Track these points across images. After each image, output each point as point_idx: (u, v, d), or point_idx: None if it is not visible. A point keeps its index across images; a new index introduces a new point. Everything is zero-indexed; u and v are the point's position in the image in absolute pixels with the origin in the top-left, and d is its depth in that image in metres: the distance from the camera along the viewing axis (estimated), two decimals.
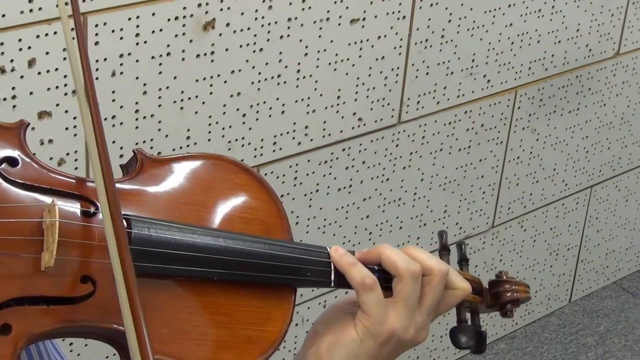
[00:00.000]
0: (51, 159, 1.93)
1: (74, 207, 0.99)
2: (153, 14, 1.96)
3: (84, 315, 0.97)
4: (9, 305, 0.95)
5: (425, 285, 1.11)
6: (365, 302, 1.08)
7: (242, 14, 2.08)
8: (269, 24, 2.13)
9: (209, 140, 2.15)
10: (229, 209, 1.09)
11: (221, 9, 2.05)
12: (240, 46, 2.11)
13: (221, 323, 1.04)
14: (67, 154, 1.96)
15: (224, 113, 2.15)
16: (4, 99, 1.84)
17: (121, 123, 2.01)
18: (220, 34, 2.07)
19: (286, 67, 2.21)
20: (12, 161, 1.01)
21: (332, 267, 1.10)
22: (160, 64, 2.01)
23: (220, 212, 1.09)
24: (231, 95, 2.15)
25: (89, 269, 0.98)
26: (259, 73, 2.17)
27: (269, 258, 1.07)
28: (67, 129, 1.94)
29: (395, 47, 2.38)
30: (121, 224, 0.93)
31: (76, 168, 1.98)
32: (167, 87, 2.04)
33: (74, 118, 1.94)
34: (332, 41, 2.26)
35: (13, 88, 1.84)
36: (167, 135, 2.08)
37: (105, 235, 0.94)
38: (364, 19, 2.29)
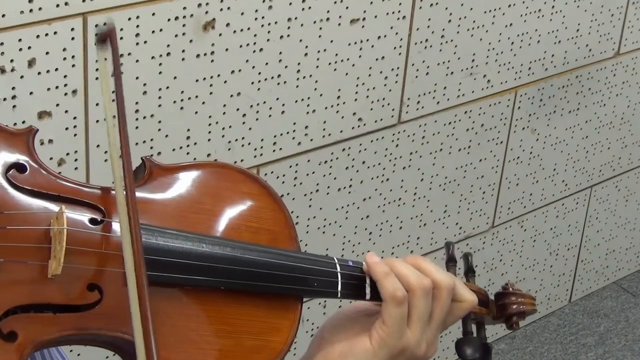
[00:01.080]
0: (51, 159, 1.93)
1: (82, 215, 0.99)
2: (153, 14, 1.96)
3: (91, 324, 0.97)
4: (15, 313, 0.95)
5: (434, 299, 1.11)
6: (389, 314, 1.08)
7: (242, 14, 2.08)
8: (269, 24, 2.13)
9: (209, 140, 2.15)
10: (237, 217, 1.09)
11: (221, 9, 2.04)
12: (240, 46, 2.11)
13: (227, 332, 1.04)
14: (67, 154, 1.96)
15: (224, 113, 2.15)
16: (4, 99, 1.84)
17: None
18: (220, 34, 2.07)
19: (286, 67, 2.20)
20: (20, 167, 1.00)
21: (339, 278, 1.10)
22: (160, 64, 2.01)
23: (228, 220, 1.09)
24: (231, 95, 2.15)
25: (96, 277, 0.98)
26: (259, 73, 2.17)
27: (275, 268, 1.06)
28: (67, 129, 1.94)
29: (395, 47, 2.38)
30: (140, 240, 0.92)
31: (76, 168, 1.98)
32: (167, 87, 2.04)
33: (74, 118, 1.94)
34: (332, 41, 2.26)
35: (13, 88, 1.84)
36: (167, 135, 2.08)
37: (113, 243, 0.94)
38: (364, 19, 2.29)
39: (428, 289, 1.09)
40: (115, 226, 0.99)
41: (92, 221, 0.99)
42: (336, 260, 1.10)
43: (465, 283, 1.18)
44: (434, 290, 1.10)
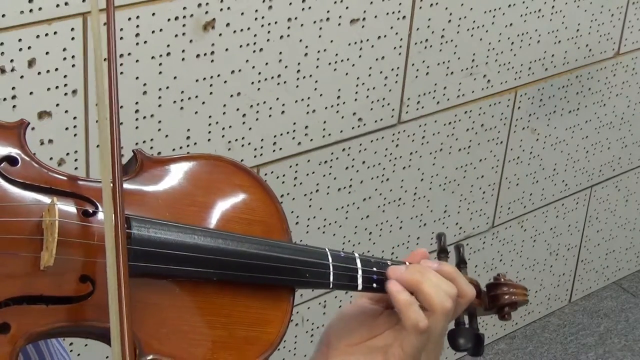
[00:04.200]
0: (51, 159, 1.93)
1: (74, 207, 0.99)
2: (153, 14, 1.96)
3: (83, 315, 0.97)
4: (7, 305, 0.95)
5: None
6: (410, 344, 1.08)
7: (242, 14, 2.08)
8: (269, 24, 2.13)
9: (209, 140, 2.15)
10: (228, 209, 1.09)
11: (221, 9, 2.05)
12: (240, 46, 2.11)
13: (220, 324, 1.04)
14: (67, 154, 1.96)
15: (224, 113, 2.16)
16: (4, 99, 1.84)
17: (121, 123, 2.01)
18: (220, 34, 2.07)
19: (286, 67, 2.21)
20: (12, 160, 1.01)
21: (331, 269, 1.10)
22: (160, 64, 2.01)
23: (220, 212, 1.09)
24: (231, 95, 2.15)
25: (88, 269, 0.98)
26: (259, 73, 2.17)
27: (267, 259, 1.06)
28: (67, 129, 1.94)
29: (395, 47, 2.38)
30: (123, 225, 0.92)
31: (76, 168, 1.98)
32: (167, 87, 2.04)
33: (74, 118, 1.94)
34: (332, 41, 2.26)
35: (13, 88, 1.85)
36: (167, 135, 2.08)
37: (104, 235, 0.94)
38: (364, 19, 2.29)
39: (448, 312, 1.09)
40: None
41: (84, 213, 0.99)
42: (328, 251, 1.11)
43: None
44: (457, 298, 1.11)
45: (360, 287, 1.12)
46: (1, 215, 0.96)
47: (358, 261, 1.12)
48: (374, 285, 1.11)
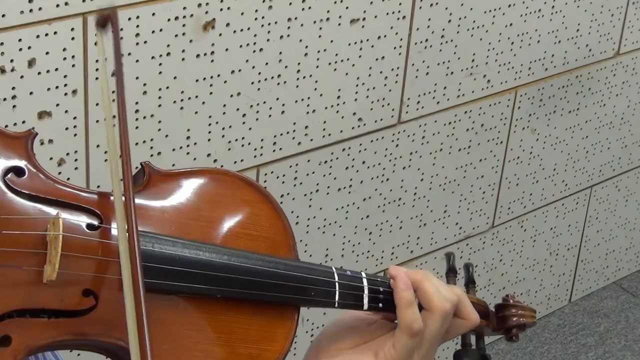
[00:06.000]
0: (51, 159, 1.93)
1: (79, 220, 0.98)
2: (153, 14, 1.96)
3: (85, 329, 0.97)
4: (10, 317, 0.94)
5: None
6: (402, 343, 1.08)
7: (242, 14, 2.08)
8: (269, 24, 2.13)
9: (209, 140, 2.15)
10: (235, 225, 1.08)
11: (221, 9, 2.04)
12: (240, 46, 2.11)
13: (222, 341, 1.03)
14: (67, 154, 1.96)
15: (224, 113, 2.15)
16: (4, 99, 1.84)
17: None
18: (220, 34, 2.07)
19: (286, 67, 2.20)
20: (18, 171, 1.00)
21: (337, 288, 1.09)
22: (160, 64, 2.01)
23: (226, 228, 1.08)
24: (231, 95, 2.15)
25: (92, 283, 0.97)
26: (259, 73, 2.17)
27: (272, 277, 1.06)
28: (67, 129, 1.94)
29: (395, 47, 2.38)
30: (139, 245, 0.91)
31: (76, 168, 1.98)
32: (167, 87, 2.04)
33: (74, 118, 1.94)
34: (332, 41, 2.26)
35: (13, 88, 1.84)
36: (167, 135, 2.08)
37: (109, 249, 0.94)
38: (364, 19, 2.29)
39: (447, 313, 1.09)
40: (113, 232, 0.99)
41: (89, 227, 0.98)
42: (334, 270, 1.10)
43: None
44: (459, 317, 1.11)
45: (366, 307, 1.11)
46: (5, 228, 0.95)
47: (365, 281, 1.11)
48: (380, 305, 1.11)
